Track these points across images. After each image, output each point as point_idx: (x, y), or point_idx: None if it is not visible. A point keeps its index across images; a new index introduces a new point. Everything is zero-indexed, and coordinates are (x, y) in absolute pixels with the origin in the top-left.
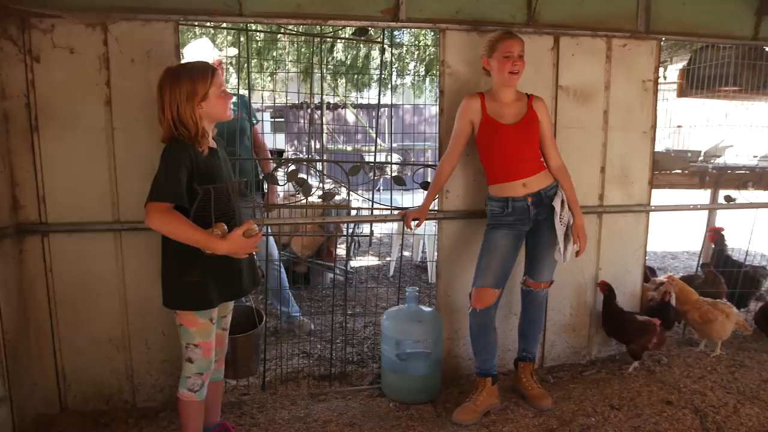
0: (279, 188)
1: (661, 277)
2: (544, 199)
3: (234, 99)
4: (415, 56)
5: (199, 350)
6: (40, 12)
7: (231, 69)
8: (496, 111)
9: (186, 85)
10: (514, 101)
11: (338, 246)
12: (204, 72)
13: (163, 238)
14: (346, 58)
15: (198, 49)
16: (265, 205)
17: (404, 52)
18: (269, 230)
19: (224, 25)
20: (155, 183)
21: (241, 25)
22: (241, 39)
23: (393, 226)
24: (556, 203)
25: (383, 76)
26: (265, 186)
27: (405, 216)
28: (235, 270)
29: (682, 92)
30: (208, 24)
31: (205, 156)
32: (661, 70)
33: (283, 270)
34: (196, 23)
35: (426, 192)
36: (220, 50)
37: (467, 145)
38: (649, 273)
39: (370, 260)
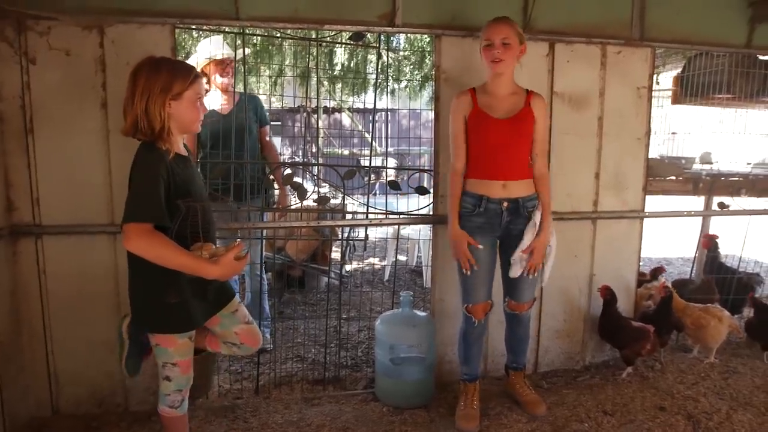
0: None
1: (655, 283)
2: (522, 208)
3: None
4: (412, 61)
5: (177, 369)
6: (37, 14)
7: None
8: (488, 104)
9: (164, 77)
10: (509, 95)
11: (333, 250)
12: (186, 71)
13: (130, 254)
14: (347, 63)
15: (212, 46)
16: (276, 209)
17: (401, 57)
18: (263, 233)
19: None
20: (133, 200)
21: (238, 29)
22: (238, 42)
23: (388, 230)
24: (537, 217)
25: (379, 80)
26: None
27: (458, 254)
28: (209, 287)
29: (676, 99)
30: (205, 27)
31: (179, 165)
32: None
33: (265, 279)
34: (193, 27)
35: (449, 211)
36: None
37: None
38: (652, 273)
39: (365, 264)
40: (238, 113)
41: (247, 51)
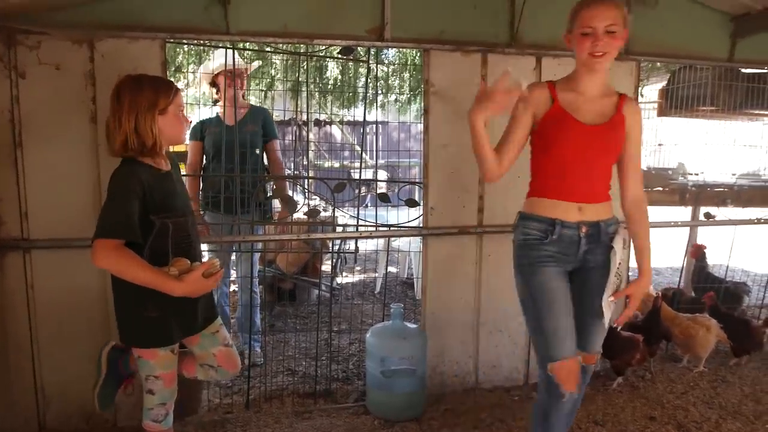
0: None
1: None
2: (603, 235)
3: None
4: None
5: (161, 381)
6: (27, 28)
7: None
8: (573, 103)
9: (148, 93)
10: (600, 96)
11: (324, 262)
12: (167, 86)
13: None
14: (338, 78)
15: (225, 56)
16: (273, 221)
17: (389, 72)
18: (254, 246)
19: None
20: (102, 216)
21: (228, 43)
22: (229, 57)
23: (379, 243)
24: (618, 245)
25: (369, 93)
26: (272, 204)
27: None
28: (193, 303)
29: (662, 111)
30: (196, 42)
31: (159, 180)
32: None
33: (257, 293)
34: (184, 41)
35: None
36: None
37: (523, 145)
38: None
39: (356, 277)
40: (242, 126)
41: (257, 63)
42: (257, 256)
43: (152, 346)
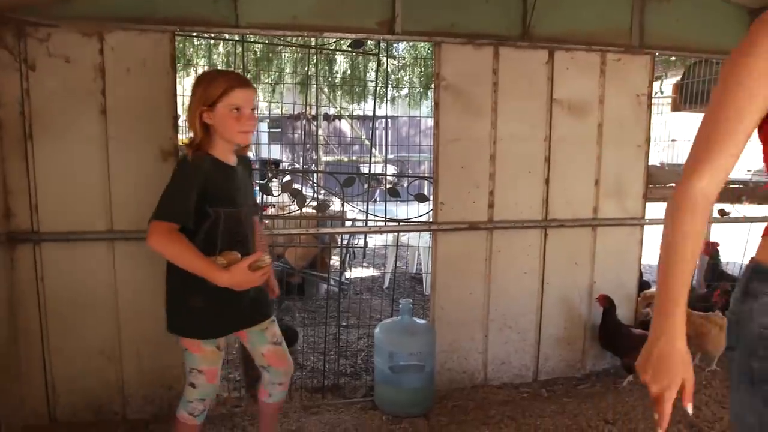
0: (273, 198)
1: (654, 289)
2: None
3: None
4: (412, 69)
5: (203, 377)
6: (37, 21)
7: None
8: None
9: (202, 88)
10: None
11: (333, 257)
12: (223, 82)
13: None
14: (347, 70)
15: None
16: (285, 216)
17: (399, 65)
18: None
19: (226, 36)
20: (161, 200)
21: (237, 36)
22: (238, 50)
23: (388, 238)
24: None
25: (379, 87)
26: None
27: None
28: (242, 298)
29: (675, 107)
30: (205, 35)
31: (221, 173)
32: (657, 84)
33: None
34: (193, 34)
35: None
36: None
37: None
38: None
39: (364, 271)
40: None
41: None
42: None
43: (193, 336)
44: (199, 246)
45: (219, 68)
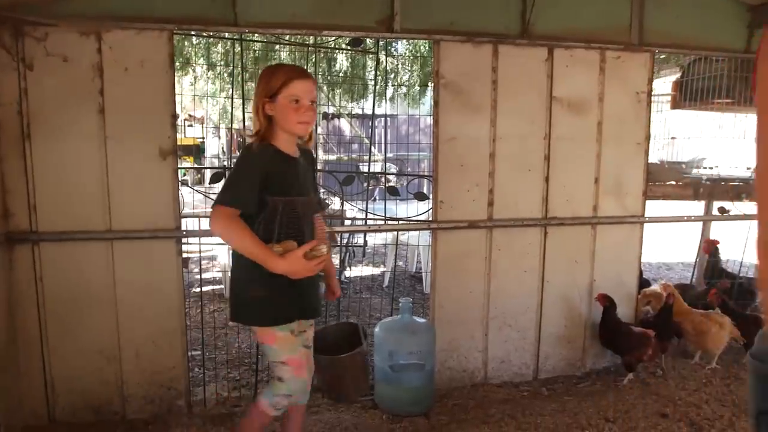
0: None
1: (654, 287)
2: None
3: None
4: (411, 67)
5: (288, 368)
6: (35, 20)
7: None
8: None
9: (264, 80)
10: None
11: (332, 255)
12: (283, 74)
13: (233, 251)
14: (346, 68)
15: None
16: None
17: (398, 64)
18: None
19: (225, 34)
20: (225, 186)
21: (236, 34)
22: (237, 48)
23: (387, 236)
24: None
25: (378, 86)
26: None
27: None
28: (305, 285)
29: (675, 104)
30: (204, 34)
31: (283, 163)
32: (659, 81)
33: None
34: (192, 32)
35: None
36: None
37: None
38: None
39: (364, 270)
40: None
41: None
42: None
43: (263, 323)
44: (258, 234)
45: (282, 62)
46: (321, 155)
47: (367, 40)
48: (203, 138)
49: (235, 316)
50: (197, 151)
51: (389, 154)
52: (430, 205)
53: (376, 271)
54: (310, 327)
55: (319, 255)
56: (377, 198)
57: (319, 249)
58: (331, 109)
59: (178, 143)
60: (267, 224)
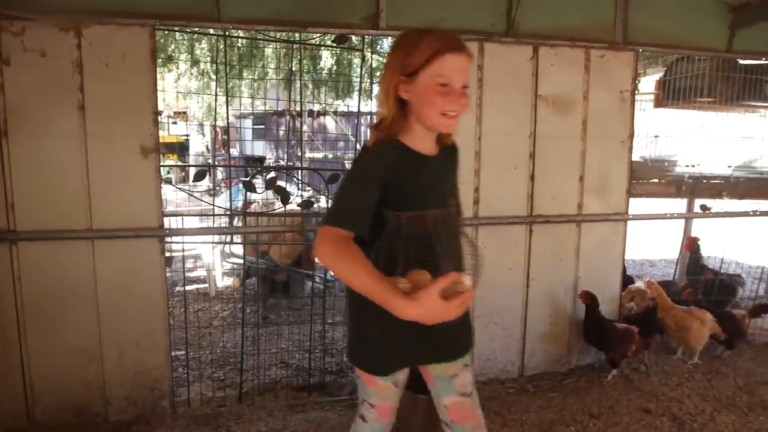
0: (257, 196)
1: (638, 284)
2: None
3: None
4: None
5: (375, 411)
6: (11, 14)
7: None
8: None
9: (402, 51)
10: None
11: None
12: (428, 43)
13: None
14: (332, 66)
15: None
16: (268, 213)
17: (384, 61)
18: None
19: (209, 30)
20: (334, 200)
21: (220, 30)
22: (220, 45)
23: None
24: None
25: (364, 83)
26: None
27: None
28: (432, 328)
29: (658, 103)
30: (187, 30)
31: (414, 165)
32: (644, 80)
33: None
34: (174, 28)
35: None
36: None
37: None
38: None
39: None
40: None
41: None
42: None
43: (368, 371)
44: (377, 263)
45: (427, 27)
46: (307, 153)
47: (353, 37)
48: (188, 135)
49: (349, 355)
50: (181, 148)
51: None
52: None
53: None
54: (462, 369)
55: (462, 291)
56: None
57: (461, 282)
58: (317, 107)
59: (162, 141)
60: (389, 250)
